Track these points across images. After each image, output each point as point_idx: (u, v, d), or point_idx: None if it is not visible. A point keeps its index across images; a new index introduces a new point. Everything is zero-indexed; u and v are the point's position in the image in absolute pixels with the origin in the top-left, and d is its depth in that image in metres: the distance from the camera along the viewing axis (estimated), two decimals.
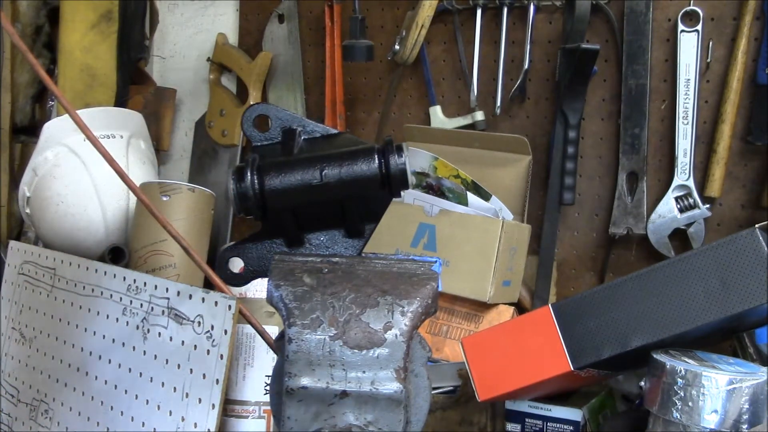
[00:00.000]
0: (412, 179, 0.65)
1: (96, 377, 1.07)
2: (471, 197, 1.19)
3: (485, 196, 1.21)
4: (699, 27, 1.18)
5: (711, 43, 1.18)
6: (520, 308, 1.22)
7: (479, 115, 1.33)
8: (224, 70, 1.58)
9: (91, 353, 1.08)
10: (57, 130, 1.31)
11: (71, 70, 1.45)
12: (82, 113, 0.97)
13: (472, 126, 1.34)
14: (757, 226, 0.83)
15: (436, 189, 1.21)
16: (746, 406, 0.80)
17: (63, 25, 1.45)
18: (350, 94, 1.46)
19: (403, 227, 1.19)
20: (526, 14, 1.28)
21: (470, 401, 1.01)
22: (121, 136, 1.37)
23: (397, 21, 1.40)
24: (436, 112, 1.38)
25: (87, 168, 1.31)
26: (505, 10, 1.29)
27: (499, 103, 1.31)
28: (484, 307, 1.18)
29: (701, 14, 1.17)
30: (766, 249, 0.82)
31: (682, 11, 1.18)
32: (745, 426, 0.80)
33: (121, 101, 1.50)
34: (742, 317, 0.85)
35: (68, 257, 1.16)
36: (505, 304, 1.19)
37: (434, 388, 1.03)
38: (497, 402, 1.02)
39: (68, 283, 1.14)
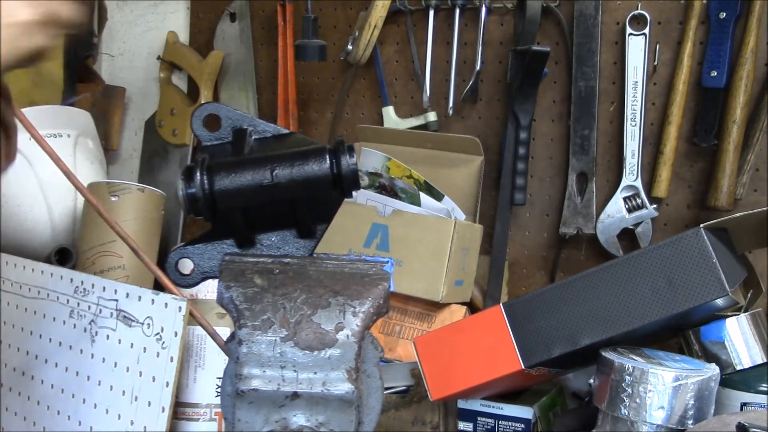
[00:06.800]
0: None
1: (42, 381, 1.05)
2: (423, 197, 1.19)
3: (438, 197, 1.21)
4: (646, 30, 1.20)
5: (658, 46, 1.20)
6: (472, 308, 1.23)
7: (432, 116, 1.34)
8: (175, 68, 1.56)
9: (36, 357, 1.06)
10: None
11: None
12: (27, 111, 0.95)
13: (424, 126, 1.35)
14: (701, 225, 0.85)
15: (388, 189, 1.21)
16: (692, 401, 0.82)
17: None
18: (303, 93, 1.46)
19: (355, 227, 1.19)
20: (478, 16, 1.29)
21: (423, 401, 1.02)
22: (68, 135, 1.35)
23: (349, 21, 1.40)
24: (389, 113, 1.38)
25: (33, 167, 1.28)
26: (457, 11, 1.30)
27: (451, 104, 1.32)
28: (436, 306, 1.18)
29: (648, 18, 1.19)
30: (710, 248, 0.84)
31: (630, 15, 1.20)
32: (690, 421, 0.82)
33: (68, 100, 1.47)
34: (688, 315, 0.87)
35: (13, 258, 1.13)
36: (458, 303, 1.19)
37: (387, 388, 1.03)
38: (449, 401, 1.03)
39: (13, 285, 1.12)
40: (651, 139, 1.22)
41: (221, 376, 0.89)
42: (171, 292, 0.92)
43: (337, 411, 0.59)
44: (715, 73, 1.15)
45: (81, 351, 1.01)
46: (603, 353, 0.87)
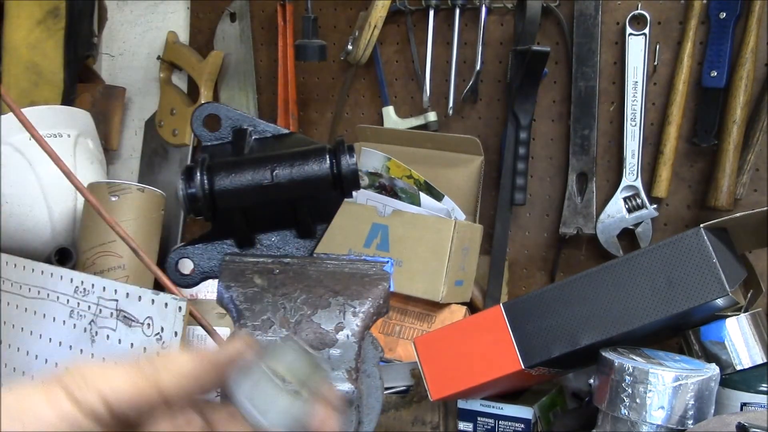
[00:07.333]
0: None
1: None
2: (423, 197, 1.19)
3: (438, 197, 1.21)
4: (646, 30, 1.20)
5: (658, 46, 1.20)
6: (472, 308, 1.23)
7: (432, 116, 1.34)
8: (175, 68, 1.56)
9: (37, 357, 1.06)
10: (1, 129, 1.28)
11: (16, 68, 1.42)
12: (27, 112, 0.95)
13: (424, 126, 1.35)
14: (702, 225, 0.85)
15: (388, 189, 1.21)
16: (692, 402, 0.82)
17: (8, 22, 1.41)
18: (303, 93, 1.45)
19: (355, 227, 1.19)
20: (478, 16, 1.29)
21: (423, 401, 1.02)
22: (69, 135, 1.35)
23: (349, 21, 1.40)
24: (389, 113, 1.38)
25: (33, 168, 1.28)
26: (457, 11, 1.30)
27: (451, 104, 1.32)
28: (436, 306, 1.18)
29: (648, 18, 1.19)
30: (710, 248, 0.84)
31: (630, 15, 1.20)
32: (690, 421, 0.82)
33: (68, 100, 1.47)
34: (688, 315, 0.87)
35: (13, 258, 1.13)
36: (458, 303, 1.19)
37: (387, 388, 1.03)
38: (449, 401, 1.03)
39: (13, 285, 1.12)
40: (651, 139, 1.22)
41: None
42: (171, 292, 0.92)
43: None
44: (715, 73, 1.15)
45: (81, 351, 1.01)
46: (603, 353, 0.87)
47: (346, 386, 0.59)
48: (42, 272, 1.09)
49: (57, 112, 1.36)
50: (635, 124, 1.20)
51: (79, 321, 1.02)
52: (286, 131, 0.69)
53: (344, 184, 0.64)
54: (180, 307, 0.94)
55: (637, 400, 0.82)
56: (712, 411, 0.84)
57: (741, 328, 0.94)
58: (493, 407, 1.02)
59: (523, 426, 1.00)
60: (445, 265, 1.15)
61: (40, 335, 1.06)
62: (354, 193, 0.66)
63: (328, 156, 0.63)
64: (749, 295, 1.04)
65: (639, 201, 1.21)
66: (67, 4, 1.43)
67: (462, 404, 1.03)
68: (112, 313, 0.99)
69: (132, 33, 1.62)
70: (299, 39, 1.33)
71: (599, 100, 1.24)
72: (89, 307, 1.02)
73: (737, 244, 0.97)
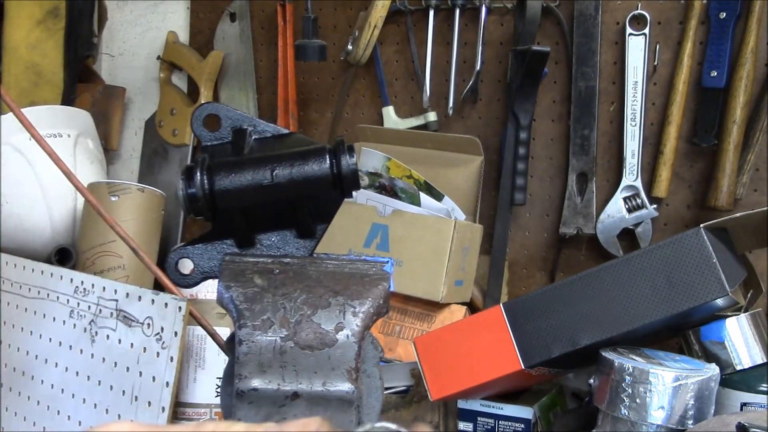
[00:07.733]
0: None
1: (42, 381, 1.05)
2: (423, 197, 1.19)
3: (438, 197, 1.21)
4: (646, 30, 1.20)
5: (658, 46, 1.20)
6: (472, 308, 1.23)
7: (432, 116, 1.34)
8: (175, 68, 1.56)
9: (37, 357, 1.06)
10: (1, 129, 1.28)
11: (16, 68, 1.42)
12: (27, 112, 0.96)
13: (424, 126, 1.35)
14: (701, 225, 0.85)
15: (388, 189, 1.21)
16: (692, 402, 0.82)
17: (8, 22, 1.42)
18: (303, 93, 1.46)
19: (355, 227, 1.19)
20: (478, 16, 1.29)
21: (423, 401, 1.02)
22: (69, 135, 1.35)
23: (349, 21, 1.40)
24: (389, 113, 1.38)
25: (33, 168, 1.28)
26: (457, 11, 1.30)
27: (451, 104, 1.32)
28: (436, 306, 1.18)
29: (648, 18, 1.19)
30: (710, 248, 0.84)
31: (630, 15, 1.20)
32: (690, 421, 0.82)
33: (68, 100, 1.47)
34: (688, 315, 0.87)
35: (13, 258, 1.13)
36: (458, 303, 1.19)
37: (387, 388, 1.03)
38: (450, 401, 1.03)
39: (13, 285, 1.12)
40: (651, 139, 1.22)
41: (221, 376, 0.90)
42: (171, 292, 0.92)
43: (337, 411, 0.59)
44: (715, 73, 1.15)
45: (81, 351, 1.01)
46: (603, 353, 0.87)
47: (346, 386, 0.59)
48: (42, 272, 1.09)
49: (57, 112, 1.36)
50: (635, 124, 1.20)
51: (79, 321, 1.02)
52: (286, 131, 0.69)
53: (344, 184, 0.64)
54: (180, 307, 0.94)
55: (637, 400, 0.82)
56: (712, 411, 0.84)
57: (741, 328, 0.94)
58: (493, 407, 1.02)
59: (523, 426, 1.00)
60: (445, 265, 1.15)
61: (40, 335, 1.06)
62: (354, 193, 0.66)
63: (328, 156, 0.63)
64: (749, 295, 1.04)
65: (639, 201, 1.21)
66: (67, 4, 1.43)
67: (462, 404, 1.03)
68: (112, 313, 0.99)
69: (132, 33, 1.62)
70: (299, 39, 1.33)
71: (599, 100, 1.24)
72: (89, 307, 1.02)
73: (737, 244, 0.97)
